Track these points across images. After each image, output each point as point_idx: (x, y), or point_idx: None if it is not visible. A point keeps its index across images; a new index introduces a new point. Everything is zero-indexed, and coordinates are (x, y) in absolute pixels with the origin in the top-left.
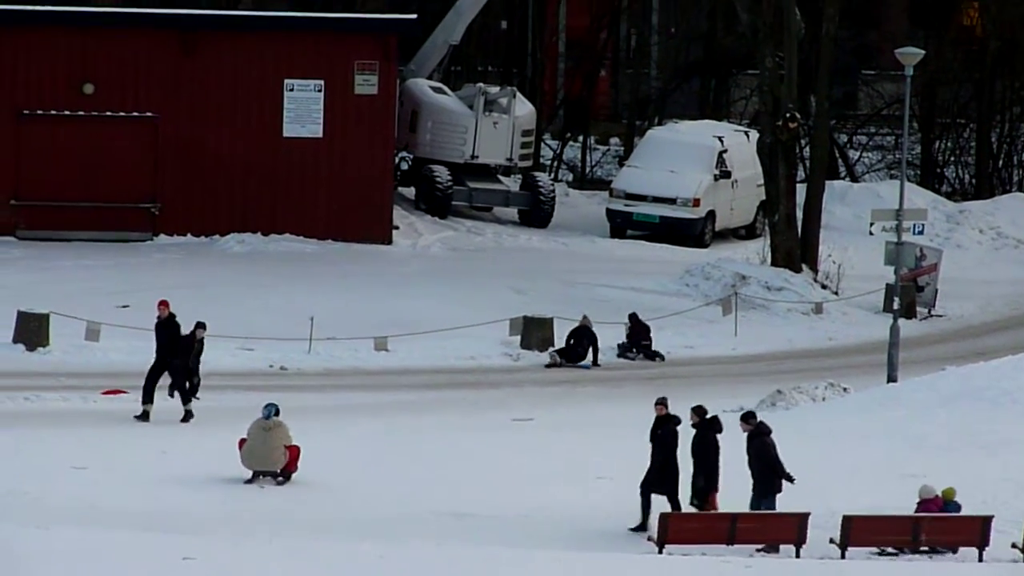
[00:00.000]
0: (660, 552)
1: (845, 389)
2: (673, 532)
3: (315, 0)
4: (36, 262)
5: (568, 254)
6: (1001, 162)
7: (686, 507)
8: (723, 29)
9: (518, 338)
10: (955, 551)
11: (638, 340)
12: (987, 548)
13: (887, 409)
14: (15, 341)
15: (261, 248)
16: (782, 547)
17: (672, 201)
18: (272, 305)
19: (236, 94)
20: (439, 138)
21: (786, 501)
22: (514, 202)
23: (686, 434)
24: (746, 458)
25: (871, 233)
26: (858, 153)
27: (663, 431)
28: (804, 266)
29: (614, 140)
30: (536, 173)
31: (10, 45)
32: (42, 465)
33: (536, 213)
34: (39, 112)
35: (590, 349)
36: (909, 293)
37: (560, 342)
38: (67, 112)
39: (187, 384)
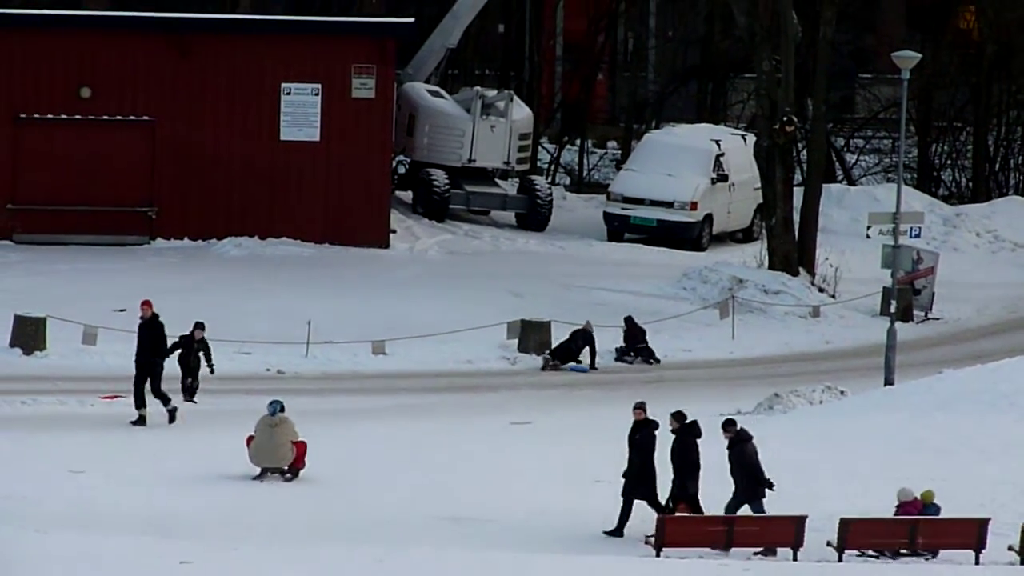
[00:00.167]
0: (658, 555)
1: (842, 392)
2: (671, 535)
3: (312, 3)
4: (33, 266)
5: (565, 258)
6: (998, 165)
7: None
8: (720, 33)
9: (516, 342)
10: (935, 555)
11: (634, 343)
12: (984, 551)
13: (884, 412)
14: (12, 345)
15: (258, 252)
16: (779, 550)
17: (669, 205)
18: (269, 309)
19: (233, 98)
20: (436, 142)
21: (783, 505)
22: (511, 206)
23: (665, 439)
24: (728, 465)
25: (868, 236)
26: (855, 156)
27: (641, 435)
28: (801, 269)
29: (611, 144)
30: (533, 177)
31: (7, 49)
32: (39, 469)
33: (533, 217)
34: (36, 116)
35: (586, 351)
36: (906, 296)
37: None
38: (64, 116)
39: (188, 380)
